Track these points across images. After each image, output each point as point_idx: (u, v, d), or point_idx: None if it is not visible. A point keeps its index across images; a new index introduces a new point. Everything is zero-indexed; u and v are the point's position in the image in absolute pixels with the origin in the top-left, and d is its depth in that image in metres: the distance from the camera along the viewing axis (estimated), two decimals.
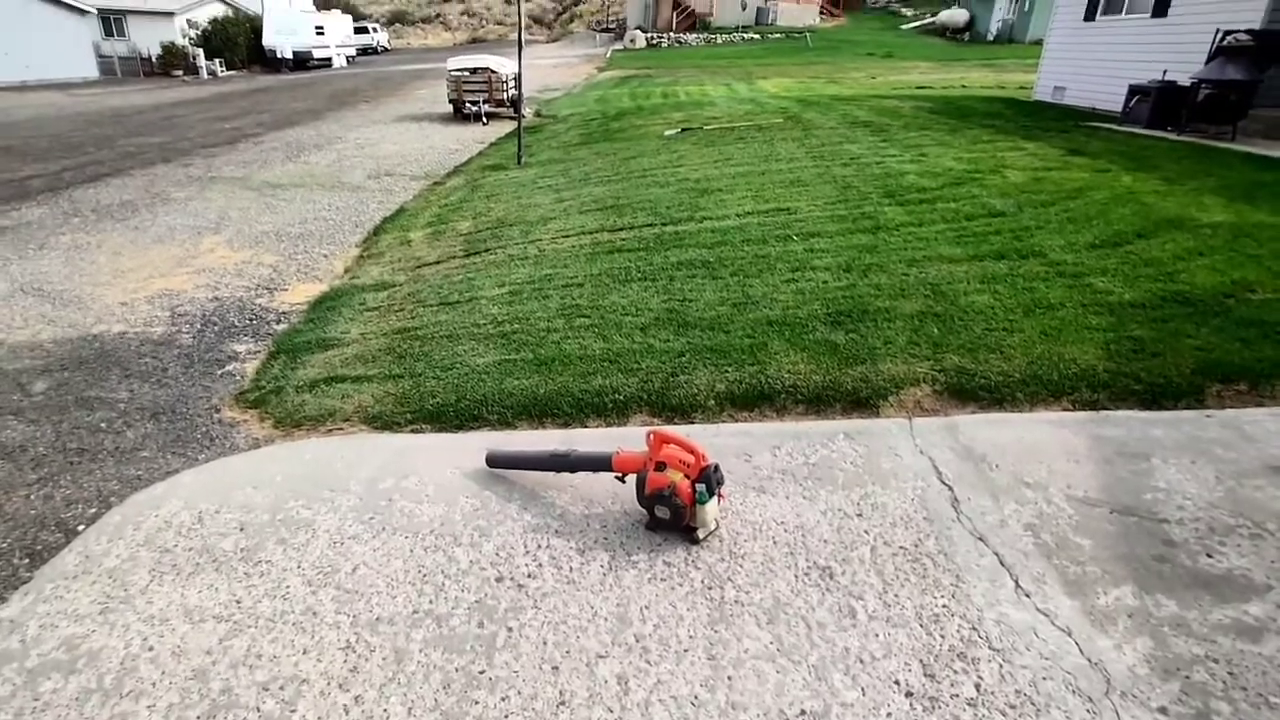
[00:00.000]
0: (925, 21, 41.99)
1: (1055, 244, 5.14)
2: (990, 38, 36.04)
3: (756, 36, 40.90)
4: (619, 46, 41.70)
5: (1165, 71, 10.48)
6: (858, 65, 26.72)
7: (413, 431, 3.54)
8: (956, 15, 38.80)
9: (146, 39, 34.62)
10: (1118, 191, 6.41)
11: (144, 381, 4.34)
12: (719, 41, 40.52)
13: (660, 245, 5.70)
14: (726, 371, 3.77)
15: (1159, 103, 10.16)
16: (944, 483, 2.81)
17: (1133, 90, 10.67)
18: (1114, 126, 10.49)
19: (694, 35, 42.19)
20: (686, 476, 2.47)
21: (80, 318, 5.33)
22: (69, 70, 28.12)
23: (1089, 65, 12.84)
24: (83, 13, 29.67)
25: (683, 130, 11.40)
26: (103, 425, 3.82)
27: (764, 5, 44.22)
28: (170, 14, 35.51)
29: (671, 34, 42.64)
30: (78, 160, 11.48)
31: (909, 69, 24.43)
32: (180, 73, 33.12)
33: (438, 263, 6.21)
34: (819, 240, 5.54)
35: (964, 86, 17.46)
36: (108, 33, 34.09)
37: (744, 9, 44.29)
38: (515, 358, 4.08)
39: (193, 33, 35.33)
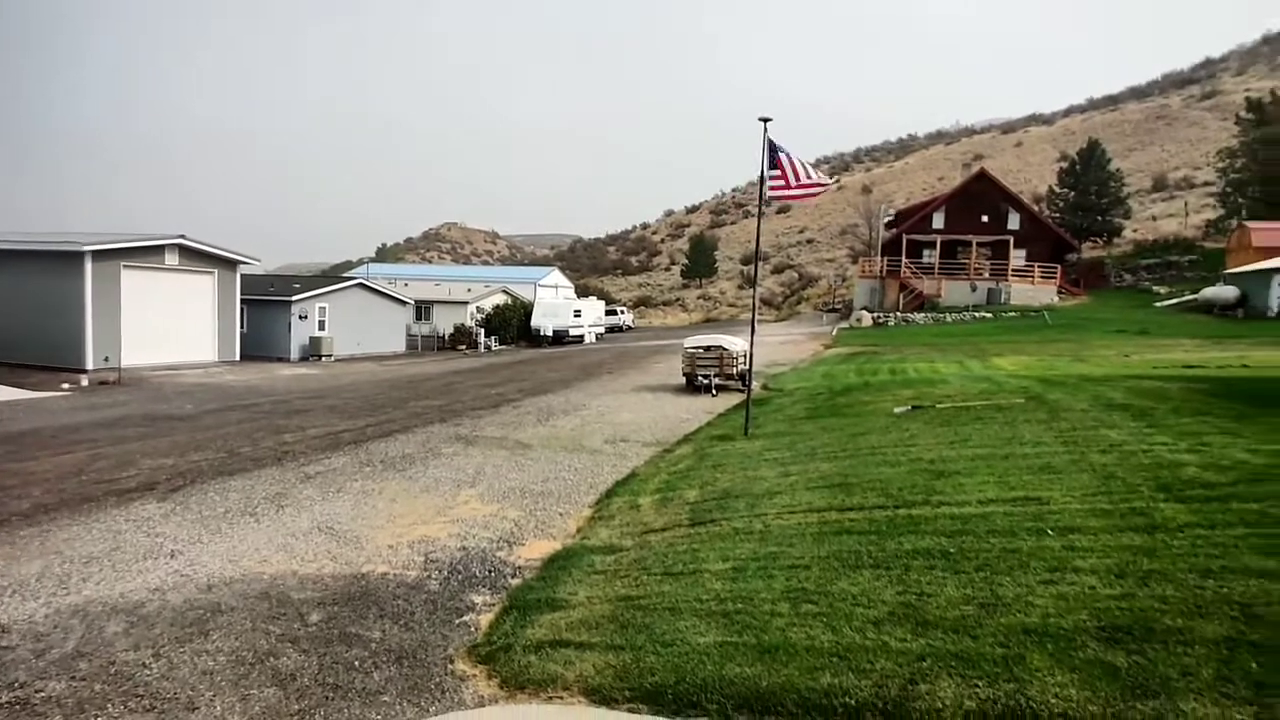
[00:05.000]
0: (1185, 298, 39.47)
1: None
2: (1272, 314, 32.74)
3: (989, 315, 40.78)
4: (845, 325, 43.59)
5: None
6: (1106, 343, 25.30)
7: (629, 710, 3.43)
8: (1225, 290, 36.09)
9: (444, 321, 42.59)
10: None
11: (394, 623, 4.73)
12: (948, 320, 40.90)
13: (893, 530, 5.41)
14: (976, 686, 3.30)
15: None
16: None
17: None
18: None
19: (921, 315, 43.10)
20: None
21: (355, 555, 6.06)
22: (386, 346, 35.07)
23: None
24: (404, 303, 37.61)
25: (913, 408, 11.25)
26: (356, 664, 4.15)
27: (995, 286, 44.55)
28: (465, 303, 43.75)
29: (899, 313, 43.94)
30: (378, 419, 13.80)
31: (1171, 347, 22.63)
32: (464, 347, 39.77)
33: (663, 530, 6.37)
34: (1079, 537, 4.94)
35: (1246, 366, 15.69)
36: (418, 317, 42.49)
37: (974, 290, 44.89)
38: (737, 640, 3.92)
39: (479, 315, 42.92)
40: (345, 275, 44.32)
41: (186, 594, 5.18)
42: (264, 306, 30.57)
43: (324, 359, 30.34)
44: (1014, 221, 47.28)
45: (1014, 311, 40.96)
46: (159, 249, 24.68)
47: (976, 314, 41.55)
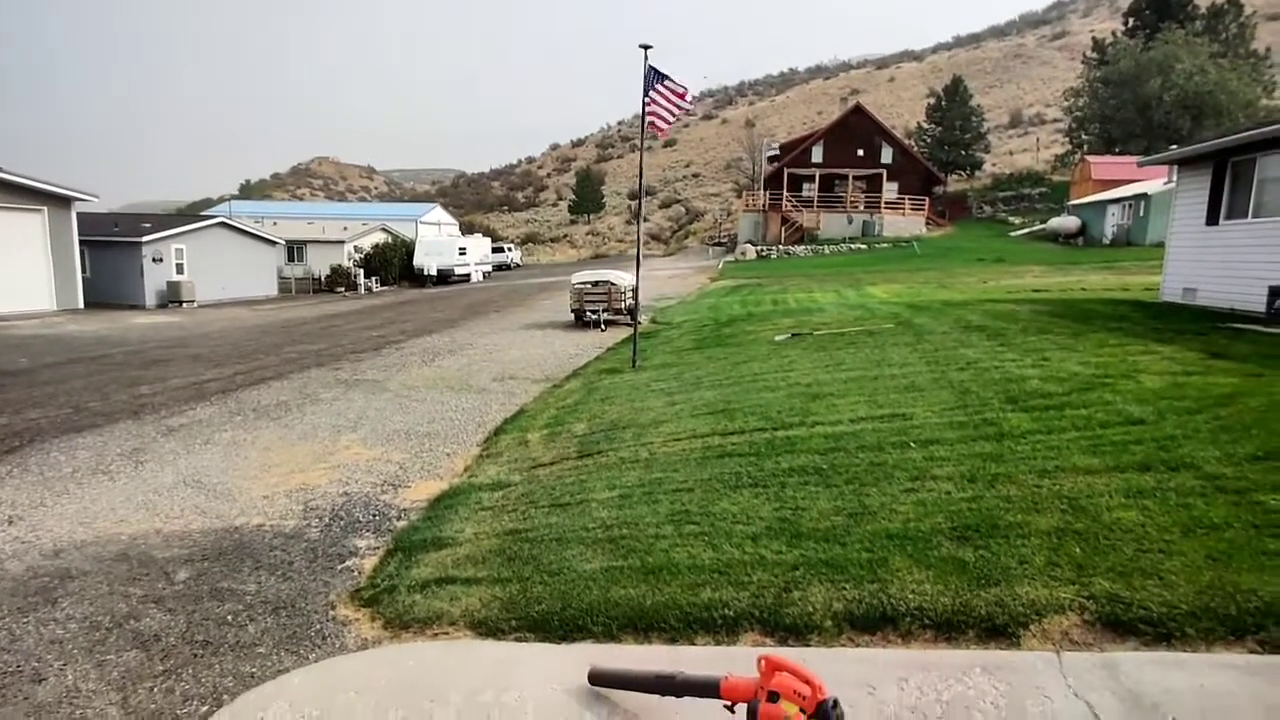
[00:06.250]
0: (1036, 228, 42.65)
1: (1209, 455, 4.71)
2: (1106, 241, 35.97)
3: (863, 247, 42.64)
4: (730, 258, 44.46)
5: None
6: (968, 270, 27.10)
7: (516, 639, 3.46)
8: (1068, 221, 39.27)
9: (319, 262, 40.16)
10: (1277, 398, 5.91)
11: (271, 574, 4.54)
12: (827, 252, 42.47)
13: (771, 450, 5.65)
14: (844, 588, 3.54)
15: None
16: None
17: (1274, 291, 10.15)
18: (1259, 328, 9.91)
19: (802, 247, 44.51)
20: (802, 711, 2.25)
21: (227, 509, 5.74)
22: (255, 290, 32.74)
23: (1221, 267, 12.45)
24: (273, 244, 35.06)
25: (792, 335, 11.69)
26: (229, 618, 3.96)
27: (869, 218, 46.48)
28: (341, 242, 41.33)
29: (780, 246, 45.19)
30: (249, 365, 12.98)
31: (1022, 273, 24.51)
32: (342, 289, 37.77)
33: (552, 464, 6.38)
34: (938, 448, 5.33)
35: (1083, 289, 17.23)
36: (290, 259, 39.84)
37: (850, 223, 46.69)
38: (623, 564, 4.01)
39: (357, 255, 40.73)
40: (204, 215, 40.81)
41: (29, 561, 4.76)
42: (110, 249, 27.77)
43: (185, 305, 28.11)
44: (887, 155, 49.16)
45: (886, 243, 43.01)
46: None
47: (852, 245, 43.34)
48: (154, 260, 28.27)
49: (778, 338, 11.65)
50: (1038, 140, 65.41)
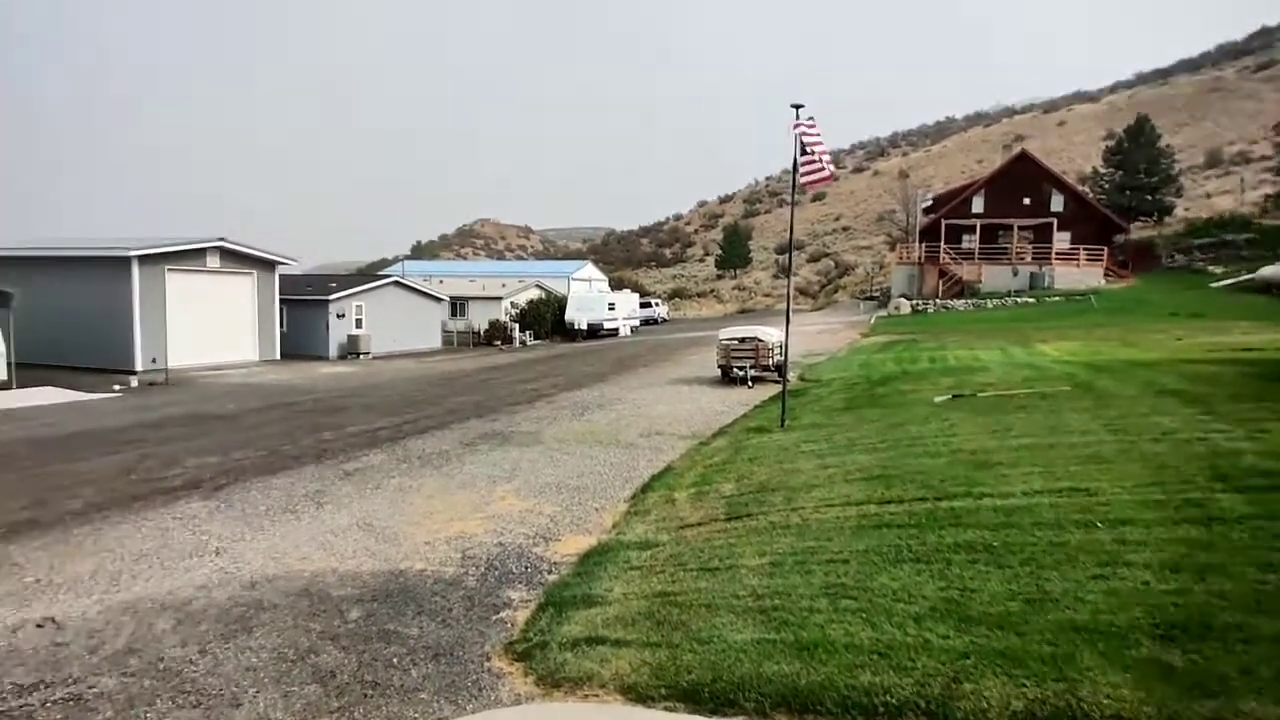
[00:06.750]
0: (1242, 278, 38.01)
1: None
2: None
3: (1031, 300, 39.79)
4: (883, 313, 42.93)
5: None
6: (1157, 326, 24.50)
7: (666, 709, 3.39)
8: None
9: (479, 317, 42.98)
10: None
11: (432, 619, 4.76)
12: (989, 306, 40.01)
13: (934, 523, 5.29)
14: (1024, 685, 3.20)
15: None
16: None
17: None
18: None
19: (962, 301, 42.23)
20: None
21: (393, 552, 6.13)
22: (422, 343, 35.49)
23: None
24: (439, 300, 38.05)
25: (954, 396, 11.02)
26: (394, 660, 4.18)
27: (1038, 270, 43.43)
28: (499, 298, 44.10)
29: (938, 300, 43.12)
30: (415, 415, 13.96)
31: (1227, 329, 21.81)
32: (499, 342, 40.05)
33: (700, 524, 6.32)
34: (1131, 530, 4.77)
35: None
36: (453, 314, 42.92)
37: (1015, 275, 43.84)
38: (775, 637, 3.86)
39: (513, 310, 43.19)
40: (381, 274, 44.94)
41: (231, 591, 5.29)
42: (302, 306, 31.15)
43: (361, 357, 30.82)
44: (1057, 203, 46.02)
45: (1058, 296, 39.91)
46: (201, 252, 25.28)
47: (1019, 299, 40.59)
48: (337, 316, 31.36)
49: (938, 399, 11.01)
50: (1242, 181, 58.76)
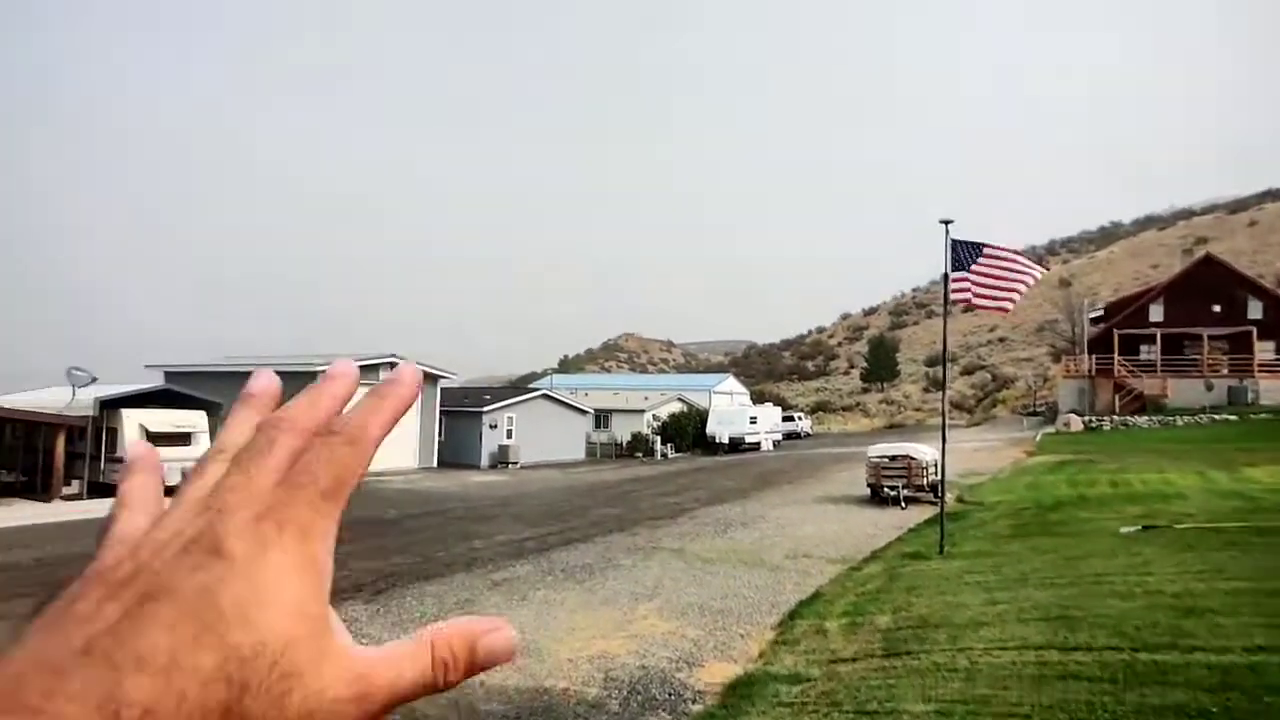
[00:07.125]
0: None
1: None
2: None
3: (1232, 417, 35.36)
4: (1050, 430, 39.57)
5: None
6: None
7: None
8: None
9: (621, 429, 43.83)
10: None
11: None
12: (1179, 423, 35.92)
13: (1134, 679, 4.60)
14: None
15: None
16: None
17: None
18: None
19: (1144, 418, 38.24)
20: None
21: (538, 669, 6.10)
22: (567, 454, 36.62)
23: None
24: (584, 413, 39.39)
25: (1144, 528, 9.80)
26: None
27: (1237, 384, 38.77)
28: (642, 411, 44.91)
29: (1115, 416, 39.31)
30: (560, 526, 14.19)
31: None
32: (640, 454, 40.45)
33: (854, 660, 5.86)
34: None
35: None
36: (597, 425, 44.08)
37: (1210, 389, 39.33)
38: None
39: (655, 423, 43.71)
40: (531, 386, 47.30)
41: None
42: (458, 417, 33.16)
43: (510, 466, 32.08)
44: (1255, 310, 41.49)
45: (1266, 413, 35.26)
46: (375, 367, 27.83)
47: (1214, 416, 36.21)
48: (490, 427, 33.07)
49: (1124, 529, 9.84)
50: None
